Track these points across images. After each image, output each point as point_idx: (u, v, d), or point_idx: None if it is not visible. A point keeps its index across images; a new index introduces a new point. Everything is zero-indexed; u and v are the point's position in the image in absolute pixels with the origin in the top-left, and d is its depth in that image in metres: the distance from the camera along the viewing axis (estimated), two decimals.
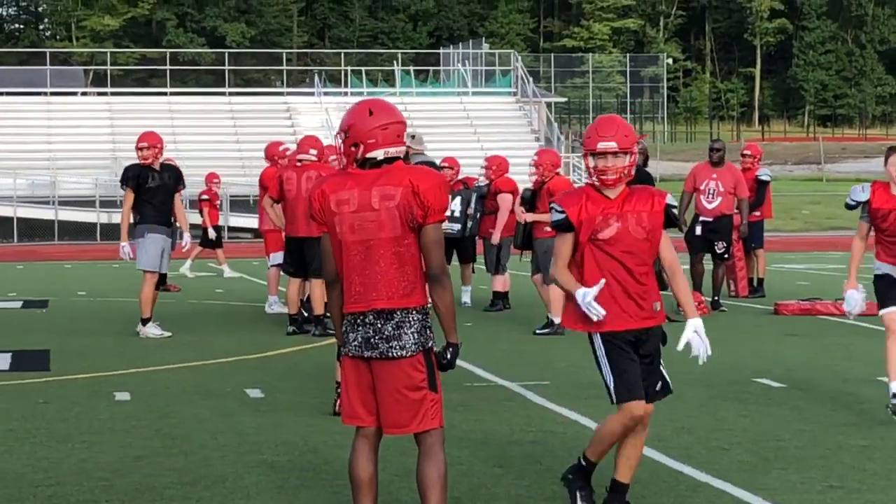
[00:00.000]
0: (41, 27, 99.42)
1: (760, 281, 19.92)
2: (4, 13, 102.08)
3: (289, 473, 8.03)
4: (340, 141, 6.13)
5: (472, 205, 18.11)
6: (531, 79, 55.70)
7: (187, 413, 10.12)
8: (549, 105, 57.52)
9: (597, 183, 6.82)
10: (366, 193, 6.01)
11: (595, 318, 6.76)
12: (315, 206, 6.10)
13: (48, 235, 42.82)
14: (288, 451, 8.69)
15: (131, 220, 15.09)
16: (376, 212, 5.98)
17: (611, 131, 6.80)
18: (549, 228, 15.08)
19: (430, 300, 6.04)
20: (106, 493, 7.57)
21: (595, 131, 6.83)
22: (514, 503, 7.36)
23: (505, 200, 17.70)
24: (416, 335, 5.98)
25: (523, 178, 17.30)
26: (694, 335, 6.84)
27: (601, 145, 6.77)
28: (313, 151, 14.91)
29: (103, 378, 12.04)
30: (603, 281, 6.74)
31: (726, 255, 18.06)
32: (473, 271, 18.94)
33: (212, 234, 25.04)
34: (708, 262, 18.07)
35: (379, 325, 5.98)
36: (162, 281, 15.43)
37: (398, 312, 5.97)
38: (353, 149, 6.08)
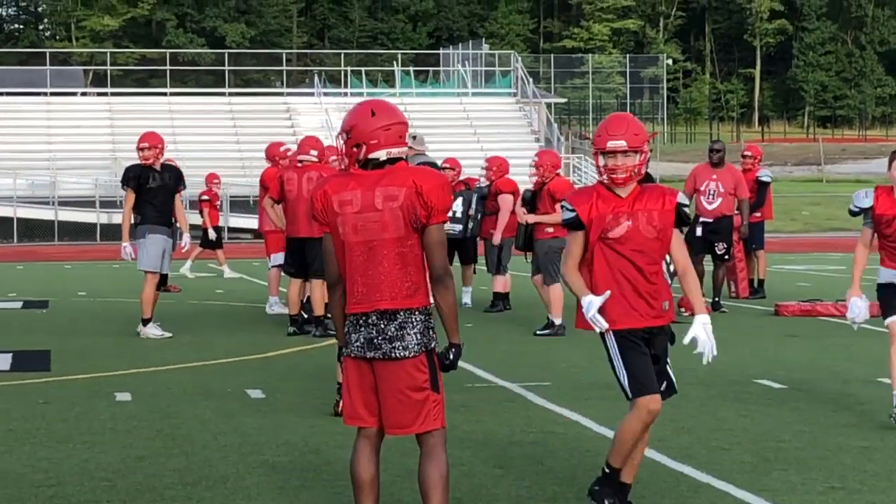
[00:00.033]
0: (41, 27, 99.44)
1: (761, 282, 19.92)
2: (4, 13, 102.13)
3: (290, 474, 8.03)
4: (342, 142, 6.12)
5: (473, 205, 18.12)
6: (531, 79, 55.72)
7: (188, 413, 10.12)
8: (548, 106, 57.52)
9: (607, 181, 6.80)
10: (369, 194, 6.00)
11: (598, 330, 6.77)
12: (317, 206, 6.09)
13: (48, 236, 42.82)
14: (289, 451, 8.69)
15: (132, 221, 15.09)
16: (380, 212, 5.98)
17: (620, 129, 6.78)
18: (550, 230, 15.24)
19: (432, 301, 6.05)
20: (108, 494, 7.57)
21: (605, 129, 6.80)
22: None
23: (506, 201, 17.71)
24: (418, 336, 5.98)
25: (523, 178, 17.31)
26: (701, 331, 6.80)
27: (610, 144, 6.75)
28: (314, 152, 14.91)
29: (104, 378, 12.04)
30: (608, 292, 6.74)
31: (727, 256, 18.06)
32: (475, 272, 18.95)
33: (212, 234, 25.04)
34: (708, 263, 18.07)
35: (382, 326, 5.98)
36: (163, 282, 15.42)
37: (401, 313, 5.97)
38: (355, 149, 6.08)
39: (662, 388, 6.90)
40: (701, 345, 6.80)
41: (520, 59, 57.88)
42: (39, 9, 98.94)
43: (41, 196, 44.58)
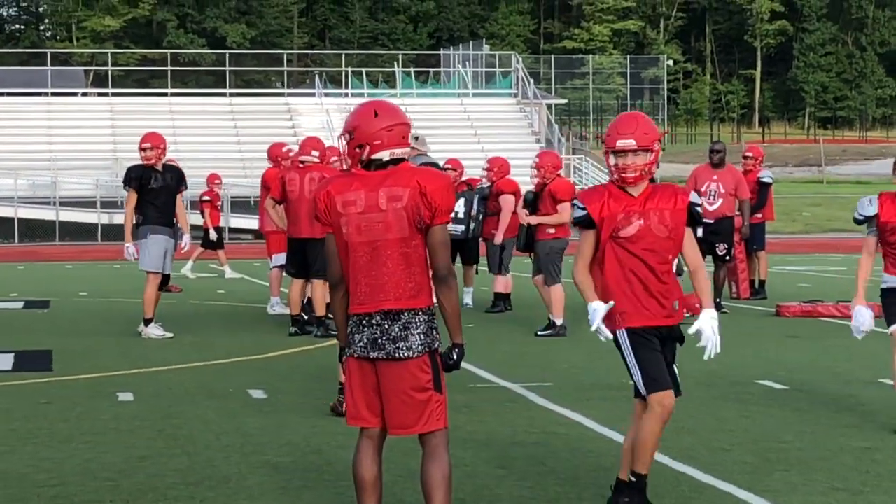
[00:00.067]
0: (42, 28, 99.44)
1: (762, 283, 19.93)
2: (5, 14, 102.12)
3: (292, 474, 8.04)
4: (345, 142, 6.11)
5: (475, 206, 18.13)
6: (531, 80, 55.73)
7: (190, 414, 10.13)
8: (549, 107, 57.53)
9: (618, 181, 6.76)
10: (373, 195, 6.00)
11: (602, 339, 6.77)
12: (320, 206, 6.09)
13: (49, 236, 42.83)
14: (291, 451, 8.70)
15: (134, 221, 15.09)
16: (384, 213, 5.98)
17: (630, 129, 6.75)
18: (551, 230, 15.24)
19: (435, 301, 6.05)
20: (110, 494, 7.58)
21: (615, 129, 6.77)
22: None
23: (507, 201, 17.71)
24: (422, 336, 5.99)
25: (524, 179, 17.33)
26: (707, 325, 6.76)
27: (620, 143, 6.73)
28: (315, 153, 14.92)
29: (106, 378, 12.05)
30: (612, 303, 6.73)
31: (727, 257, 18.07)
32: (477, 272, 18.96)
33: (213, 235, 25.05)
34: (709, 264, 18.07)
35: (386, 326, 5.98)
36: (165, 282, 15.43)
37: (405, 313, 5.98)
38: (357, 150, 6.07)
39: None
40: (705, 339, 6.78)
41: (520, 59, 57.89)
42: (40, 9, 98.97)
43: (42, 196, 44.61)
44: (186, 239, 15.77)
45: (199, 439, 9.12)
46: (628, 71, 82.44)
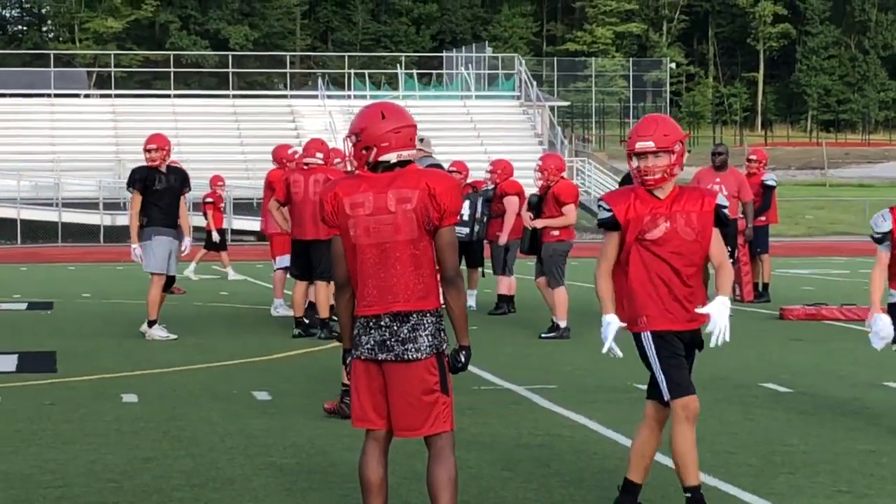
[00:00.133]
0: (44, 29, 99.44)
1: (766, 286, 19.92)
2: (8, 15, 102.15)
3: (297, 476, 8.04)
4: (351, 144, 6.10)
5: (479, 208, 18.13)
6: (534, 83, 55.73)
7: (195, 415, 10.13)
8: (552, 109, 57.50)
9: (641, 184, 6.69)
10: (381, 196, 5.99)
11: (613, 357, 6.74)
12: (327, 208, 6.08)
13: (52, 237, 42.85)
14: (296, 453, 8.70)
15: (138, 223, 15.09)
16: (392, 214, 5.98)
17: (649, 130, 6.69)
18: (555, 233, 15.23)
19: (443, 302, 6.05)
20: (115, 495, 7.58)
21: (635, 132, 6.71)
22: None
23: (511, 203, 17.72)
24: (430, 338, 5.98)
25: (527, 181, 17.33)
26: (718, 310, 6.64)
27: (639, 145, 6.67)
28: (320, 154, 14.91)
29: (110, 380, 12.05)
30: (625, 324, 6.70)
31: (731, 260, 18.06)
32: (483, 275, 18.96)
33: (215, 236, 25.05)
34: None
35: (395, 328, 5.97)
36: (169, 283, 15.43)
37: (414, 315, 5.97)
38: (364, 152, 6.06)
39: None
40: (713, 324, 6.68)
41: (523, 62, 57.90)
42: (43, 10, 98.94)
43: (45, 197, 44.64)
44: (187, 242, 15.74)
45: (204, 441, 9.12)
46: (631, 74, 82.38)
